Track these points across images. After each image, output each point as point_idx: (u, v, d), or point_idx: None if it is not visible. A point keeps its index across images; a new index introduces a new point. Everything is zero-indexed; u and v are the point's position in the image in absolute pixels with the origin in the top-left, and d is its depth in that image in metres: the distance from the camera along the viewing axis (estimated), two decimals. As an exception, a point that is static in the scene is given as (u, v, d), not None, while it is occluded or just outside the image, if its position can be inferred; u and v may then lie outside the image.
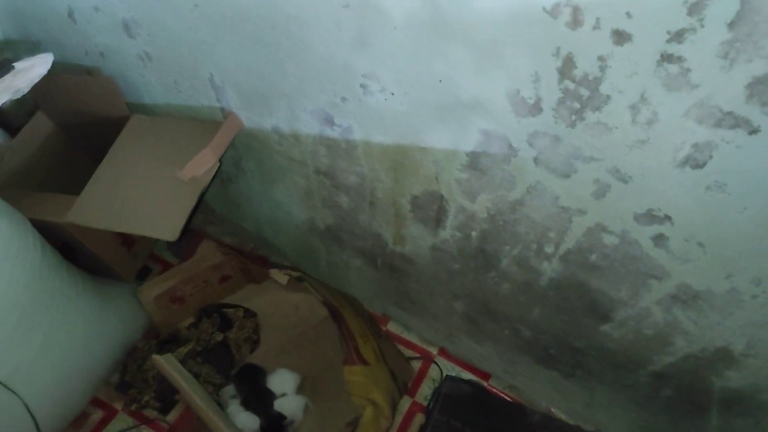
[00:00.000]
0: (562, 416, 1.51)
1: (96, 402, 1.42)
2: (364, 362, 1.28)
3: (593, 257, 0.96)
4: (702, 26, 0.57)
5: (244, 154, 1.35)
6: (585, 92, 0.71)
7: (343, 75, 0.93)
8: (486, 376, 1.55)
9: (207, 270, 1.48)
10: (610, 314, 1.07)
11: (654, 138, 0.71)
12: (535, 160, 0.85)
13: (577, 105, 0.73)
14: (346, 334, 1.29)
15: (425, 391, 1.53)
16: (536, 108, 0.77)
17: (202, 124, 1.23)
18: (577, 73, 0.70)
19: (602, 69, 0.67)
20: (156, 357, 1.22)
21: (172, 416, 1.41)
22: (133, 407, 1.39)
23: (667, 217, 0.80)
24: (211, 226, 1.77)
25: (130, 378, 1.41)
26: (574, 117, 0.75)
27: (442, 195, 1.05)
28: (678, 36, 0.59)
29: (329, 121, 1.05)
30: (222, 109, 1.21)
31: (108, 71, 1.34)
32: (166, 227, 1.07)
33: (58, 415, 1.24)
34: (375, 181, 1.13)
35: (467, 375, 1.56)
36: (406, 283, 1.42)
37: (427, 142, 0.95)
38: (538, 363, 1.39)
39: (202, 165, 1.11)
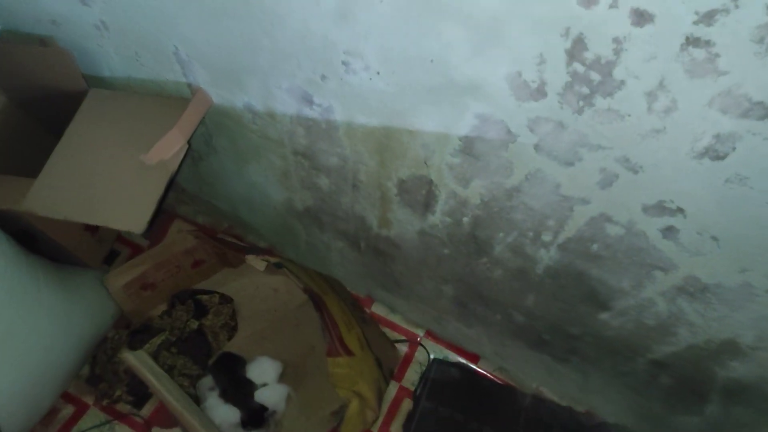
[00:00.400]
0: (554, 397, 1.49)
1: (66, 396, 1.36)
2: (349, 353, 1.23)
3: (595, 247, 0.91)
4: (737, 7, 0.51)
5: (215, 132, 1.26)
6: (596, 77, 0.65)
7: (323, 51, 0.85)
8: (475, 358, 1.52)
9: (179, 255, 1.42)
10: (609, 303, 1.03)
11: (671, 127, 0.65)
12: (536, 147, 0.79)
13: (586, 90, 0.67)
14: (329, 324, 1.24)
15: (412, 375, 1.49)
16: (539, 92, 0.71)
17: (168, 100, 1.14)
18: (589, 55, 0.63)
19: (617, 52, 0.61)
20: (125, 355, 1.16)
21: (147, 410, 1.36)
22: (104, 402, 1.34)
23: (680, 210, 0.75)
24: (182, 206, 1.69)
25: (100, 371, 1.35)
26: (581, 103, 0.69)
27: (432, 180, 0.98)
28: (708, 17, 0.53)
29: (308, 100, 0.97)
30: (189, 85, 1.12)
31: (62, 41, 1.23)
32: (133, 218, 0.99)
33: (23, 414, 1.18)
34: (358, 164, 1.06)
35: (455, 357, 1.53)
36: (392, 266, 1.36)
37: (416, 125, 0.88)
38: (530, 347, 1.36)
39: (170, 147, 1.03)
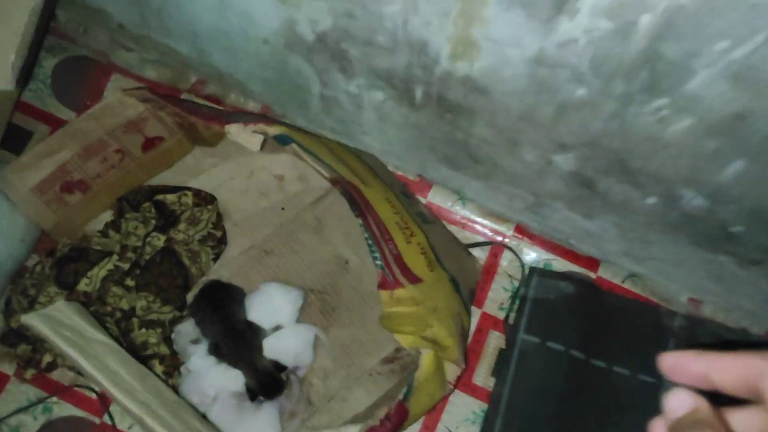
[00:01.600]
0: (717, 315, 1.12)
1: (-29, 366, 1.01)
2: (413, 278, 0.85)
3: None
4: None
5: None
6: None
7: None
8: (592, 263, 1.16)
9: (118, 131, 1.02)
10: None
11: None
12: None
13: None
14: (378, 234, 0.84)
15: (498, 294, 1.15)
16: None
17: None
18: None
19: None
20: (26, 318, 0.76)
21: (99, 378, 1.01)
22: (27, 375, 0.98)
23: None
24: (121, 52, 1.26)
25: (18, 324, 0.98)
26: None
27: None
28: None
29: None
30: None
31: None
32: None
33: None
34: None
35: (562, 264, 1.16)
36: (468, 129, 0.96)
37: None
38: (696, 245, 0.99)
39: None
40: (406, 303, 0.83)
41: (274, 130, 0.87)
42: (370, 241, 0.82)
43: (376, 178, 1.00)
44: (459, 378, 0.91)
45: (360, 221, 0.82)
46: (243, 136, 0.88)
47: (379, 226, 0.86)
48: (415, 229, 0.94)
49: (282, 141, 0.87)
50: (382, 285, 0.82)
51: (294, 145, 0.86)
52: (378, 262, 0.82)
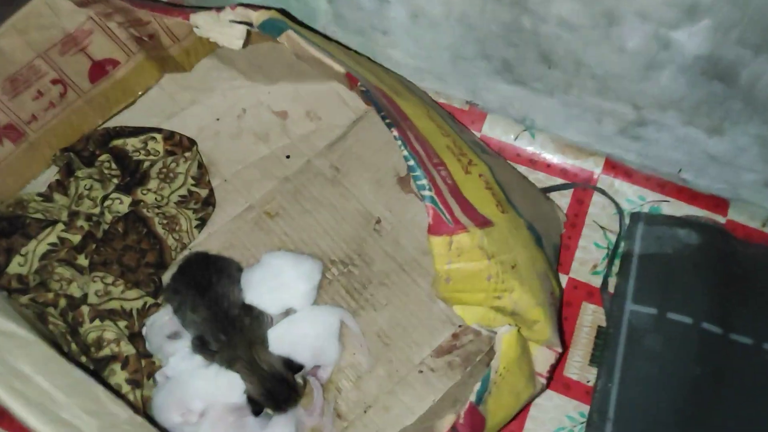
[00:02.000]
0: None
1: None
2: (480, 220, 0.61)
3: None
4: None
5: None
6: None
7: None
8: (719, 202, 0.93)
9: (54, 51, 0.84)
10: None
11: None
12: None
13: None
14: (423, 155, 0.60)
15: (589, 253, 0.92)
16: None
17: None
18: None
19: None
20: None
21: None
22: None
23: None
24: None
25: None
26: None
27: None
28: None
29: None
30: None
31: None
32: None
33: None
34: None
35: (674, 206, 0.93)
36: (542, 7, 0.74)
37: None
38: None
39: None
40: (471, 255, 0.58)
41: (260, 16, 0.65)
42: (411, 162, 0.56)
43: (412, 93, 0.77)
44: (554, 368, 0.66)
45: (395, 133, 0.58)
46: (217, 28, 0.66)
47: (423, 145, 0.61)
48: (473, 157, 0.70)
49: (272, 29, 0.64)
50: (436, 228, 0.57)
51: (290, 33, 0.63)
52: (426, 193, 0.56)
